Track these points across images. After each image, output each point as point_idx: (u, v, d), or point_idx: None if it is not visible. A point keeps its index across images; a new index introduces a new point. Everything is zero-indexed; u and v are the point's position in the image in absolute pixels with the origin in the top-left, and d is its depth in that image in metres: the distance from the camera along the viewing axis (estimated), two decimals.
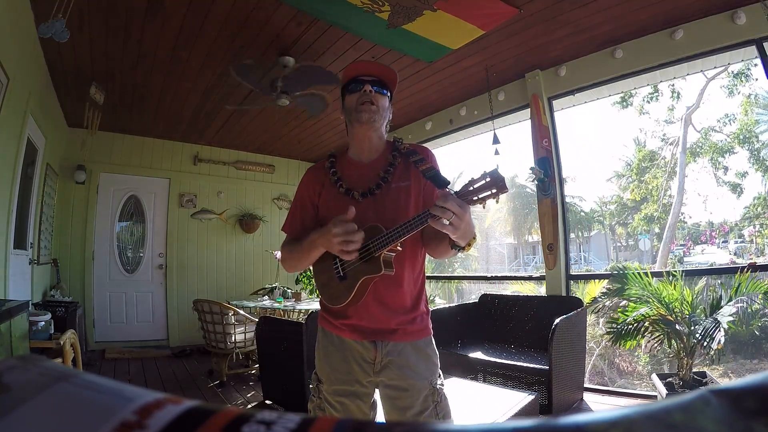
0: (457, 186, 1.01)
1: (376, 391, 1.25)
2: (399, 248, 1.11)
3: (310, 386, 1.29)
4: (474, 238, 1.05)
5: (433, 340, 1.26)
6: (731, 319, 2.29)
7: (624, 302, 2.87)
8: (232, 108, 4.03)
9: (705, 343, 2.18)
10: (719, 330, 2.18)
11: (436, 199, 0.96)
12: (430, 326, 1.26)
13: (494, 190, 0.93)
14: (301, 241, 1.21)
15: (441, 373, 1.25)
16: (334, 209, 1.19)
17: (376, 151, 1.27)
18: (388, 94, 1.26)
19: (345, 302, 1.15)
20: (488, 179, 0.93)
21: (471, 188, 0.96)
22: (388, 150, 1.27)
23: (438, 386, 1.21)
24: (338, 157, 1.32)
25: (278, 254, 4.80)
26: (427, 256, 1.29)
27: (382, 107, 1.23)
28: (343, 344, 1.21)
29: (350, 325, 1.20)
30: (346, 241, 1.06)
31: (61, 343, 2.29)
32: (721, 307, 2.40)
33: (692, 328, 2.40)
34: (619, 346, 2.67)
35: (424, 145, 1.37)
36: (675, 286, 2.60)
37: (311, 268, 1.29)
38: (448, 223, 0.95)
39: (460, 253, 1.11)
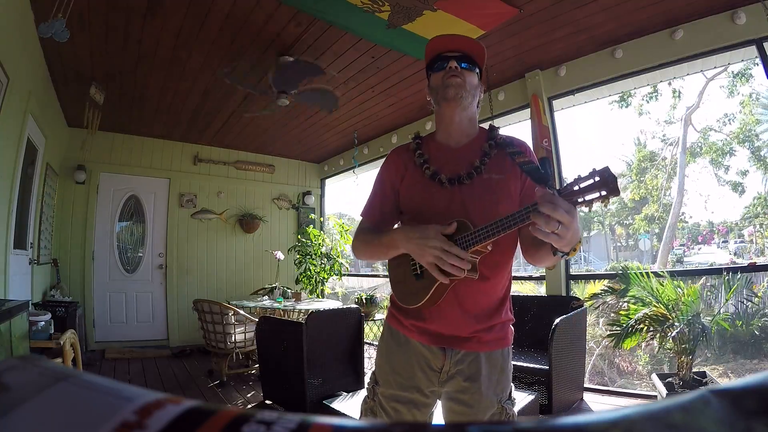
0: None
1: (438, 403, 1.14)
2: (487, 249, 0.96)
3: (366, 386, 1.19)
4: (579, 242, 0.91)
5: (511, 351, 1.13)
6: (709, 319, 2.30)
7: (624, 303, 2.87)
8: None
9: (699, 343, 2.18)
10: (710, 332, 2.19)
11: (539, 200, 0.80)
12: (511, 336, 1.13)
13: (604, 192, 0.77)
14: (380, 236, 1.08)
15: (513, 387, 1.13)
16: (418, 195, 1.09)
17: (467, 136, 1.14)
18: (477, 70, 1.12)
19: (419, 303, 1.03)
20: (597, 178, 0.78)
21: (577, 188, 0.80)
22: (482, 137, 1.13)
23: (506, 405, 1.08)
24: (425, 139, 1.19)
25: (278, 254, 4.81)
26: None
27: (471, 84, 1.09)
28: (410, 346, 1.10)
29: (420, 327, 1.08)
30: (441, 258, 0.92)
31: (61, 343, 2.29)
32: (710, 306, 2.42)
33: (689, 327, 2.40)
34: (621, 347, 2.67)
35: None
36: (674, 286, 2.61)
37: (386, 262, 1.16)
38: (550, 232, 0.81)
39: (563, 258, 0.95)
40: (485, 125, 1.20)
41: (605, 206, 0.85)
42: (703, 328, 2.26)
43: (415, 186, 1.12)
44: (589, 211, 0.84)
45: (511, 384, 1.13)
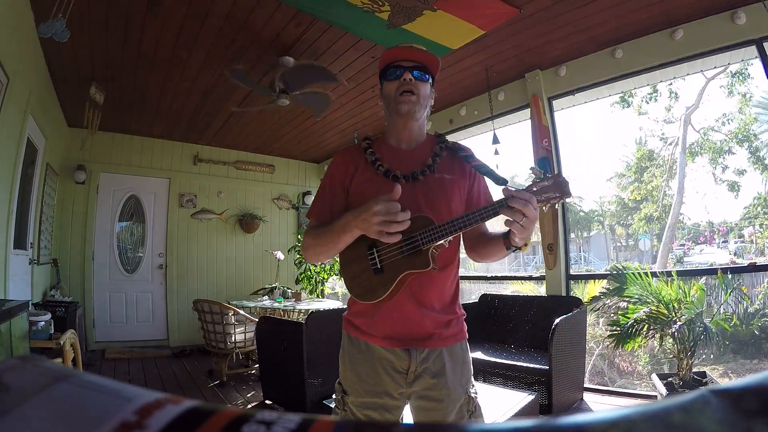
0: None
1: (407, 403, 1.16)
2: (446, 244, 1.02)
3: (334, 397, 1.18)
4: (530, 237, 0.99)
5: (468, 345, 1.17)
6: (708, 320, 2.30)
7: (624, 304, 2.87)
8: (236, 110, 4.03)
9: (698, 343, 2.18)
10: (710, 332, 2.19)
11: (513, 196, 0.91)
12: (465, 329, 1.17)
13: (558, 194, 0.90)
14: (330, 225, 1.08)
15: (473, 380, 1.17)
16: (370, 193, 1.08)
17: (416, 141, 1.19)
18: (430, 79, 1.16)
19: (380, 298, 1.03)
20: (552, 181, 0.90)
21: (534, 189, 0.92)
22: (431, 141, 1.20)
23: (473, 395, 1.13)
24: (374, 140, 1.21)
25: (279, 254, 4.82)
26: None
27: (423, 95, 1.13)
28: (372, 352, 1.10)
29: (381, 331, 1.09)
30: (389, 221, 0.94)
31: (61, 343, 2.29)
32: (710, 306, 2.42)
33: (689, 327, 2.40)
34: (621, 348, 2.67)
35: None
36: (674, 286, 2.61)
37: (338, 258, 1.15)
38: (518, 223, 0.91)
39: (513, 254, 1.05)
40: (433, 130, 1.28)
41: (556, 207, 0.97)
42: (705, 328, 2.26)
43: (368, 183, 1.13)
44: (545, 210, 0.95)
45: (473, 375, 1.18)
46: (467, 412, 1.10)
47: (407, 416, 1.21)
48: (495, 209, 0.93)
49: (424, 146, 1.19)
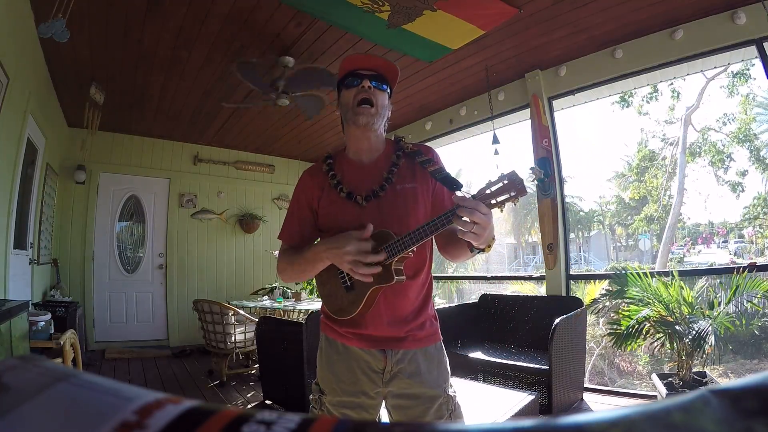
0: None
1: (383, 403, 1.18)
2: (410, 254, 1.03)
3: (311, 397, 1.20)
4: (493, 239, 0.99)
5: (443, 345, 1.20)
6: (725, 318, 2.30)
7: (624, 304, 2.86)
8: (229, 106, 4.02)
9: (699, 345, 2.18)
10: (710, 333, 2.18)
11: (456, 206, 0.90)
12: (439, 331, 1.20)
13: (513, 193, 0.88)
14: (303, 253, 1.12)
15: (452, 380, 1.20)
16: (335, 214, 1.13)
17: (377, 151, 1.19)
18: (388, 89, 1.17)
19: (353, 314, 1.08)
20: (506, 181, 0.88)
21: (488, 191, 0.90)
22: (390, 149, 1.19)
23: (451, 393, 1.15)
24: (336, 157, 1.23)
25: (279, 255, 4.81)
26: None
27: (381, 105, 1.14)
28: (349, 353, 1.13)
29: (357, 334, 1.13)
30: (359, 262, 0.99)
31: (61, 343, 2.29)
32: (713, 308, 2.41)
33: (689, 328, 2.40)
34: (622, 348, 2.67)
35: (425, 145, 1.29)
36: (674, 286, 2.61)
37: (314, 278, 1.20)
38: (470, 231, 0.91)
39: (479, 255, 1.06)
40: (391, 135, 1.24)
41: (515, 204, 0.92)
42: (706, 328, 2.26)
43: (333, 206, 1.16)
44: (501, 211, 0.93)
45: (450, 375, 1.19)
46: (447, 411, 1.12)
47: (384, 416, 1.23)
48: (447, 219, 0.94)
49: (382, 156, 1.19)
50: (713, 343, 2.15)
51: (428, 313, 1.18)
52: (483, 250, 1.01)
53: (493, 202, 0.90)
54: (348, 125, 1.17)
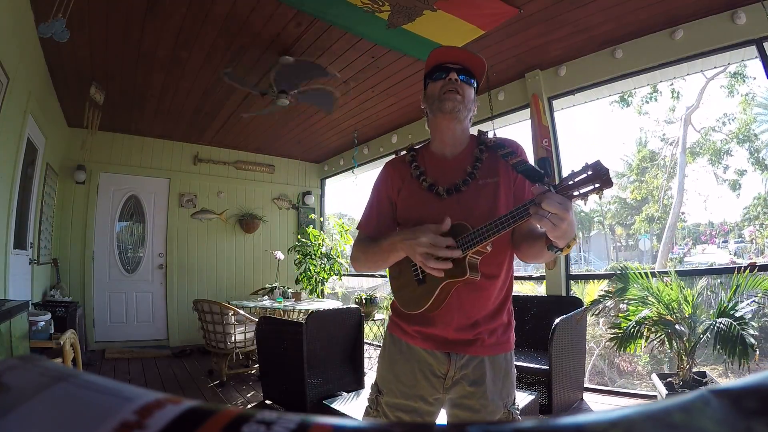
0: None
1: (443, 411, 1.14)
2: (487, 249, 0.98)
3: (368, 397, 1.17)
4: (574, 239, 0.91)
5: (513, 355, 1.14)
6: (750, 315, 2.26)
7: (624, 305, 2.86)
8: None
9: (729, 347, 2.07)
10: (747, 327, 2.12)
11: (534, 195, 0.85)
12: (513, 340, 1.14)
13: (597, 184, 0.82)
14: (378, 243, 1.09)
15: (516, 394, 1.14)
16: (415, 206, 1.11)
17: (461, 145, 1.16)
18: (475, 84, 1.15)
19: (423, 308, 1.04)
20: (590, 172, 0.82)
21: (571, 182, 0.84)
22: (473, 144, 1.16)
23: (513, 410, 1.09)
24: (419, 150, 1.21)
25: (278, 254, 4.82)
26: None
27: (468, 98, 1.11)
28: (413, 353, 1.10)
29: (423, 333, 1.09)
30: (431, 255, 0.94)
31: (61, 343, 2.29)
32: (736, 306, 2.34)
33: (693, 328, 2.40)
34: (624, 350, 2.67)
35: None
36: (675, 286, 2.60)
37: (388, 269, 1.17)
38: (546, 219, 0.85)
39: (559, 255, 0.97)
40: (474, 130, 1.22)
41: (600, 198, 0.87)
42: (707, 329, 2.25)
43: (413, 197, 1.13)
44: (585, 203, 0.88)
45: (515, 389, 1.13)
46: None
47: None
48: (524, 210, 0.88)
49: (466, 151, 1.16)
50: (754, 343, 2.06)
51: (502, 319, 1.11)
52: (562, 250, 0.93)
53: (576, 193, 0.84)
54: (434, 116, 1.14)
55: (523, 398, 2.08)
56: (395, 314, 1.17)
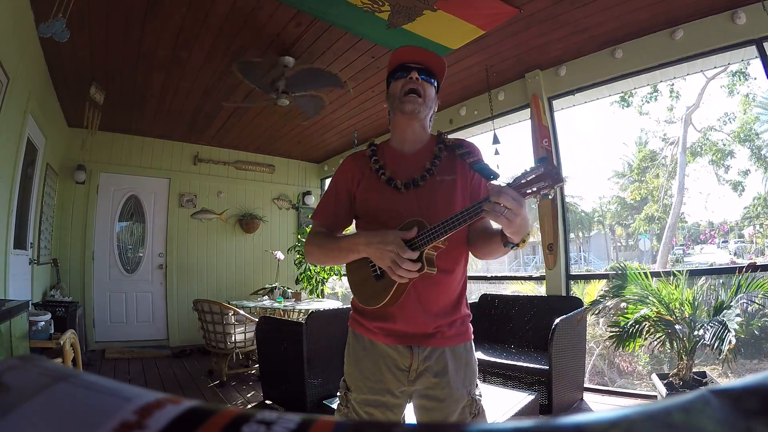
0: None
1: (408, 402, 1.17)
2: (442, 245, 1.02)
3: (338, 394, 1.20)
4: (528, 234, 0.97)
5: (473, 346, 1.18)
6: (739, 319, 2.28)
7: (624, 304, 2.86)
8: (228, 105, 4.02)
9: (715, 346, 2.14)
10: (728, 331, 2.16)
11: (488, 192, 0.89)
12: (471, 330, 1.18)
13: (548, 182, 0.87)
14: (338, 242, 1.12)
15: (478, 382, 1.18)
16: (373, 199, 1.14)
17: (420, 142, 1.20)
18: (436, 83, 1.19)
19: (381, 303, 1.06)
20: (542, 170, 0.87)
21: (523, 180, 0.89)
22: (432, 142, 1.21)
23: (476, 396, 1.13)
24: (380, 145, 1.25)
25: (279, 254, 4.81)
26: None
27: (428, 97, 1.16)
28: (376, 349, 1.12)
29: (384, 328, 1.11)
30: (397, 263, 0.97)
31: (61, 343, 2.29)
32: (729, 307, 2.38)
33: (693, 328, 2.40)
34: (622, 349, 2.67)
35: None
36: (675, 286, 2.60)
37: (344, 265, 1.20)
38: (501, 215, 0.89)
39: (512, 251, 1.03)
40: (435, 129, 1.26)
41: (551, 196, 0.91)
42: (723, 327, 2.24)
43: (372, 190, 1.16)
44: (538, 201, 0.92)
45: (477, 377, 1.17)
46: (470, 414, 1.10)
47: (409, 415, 1.22)
48: (479, 207, 0.92)
49: (425, 148, 1.20)
50: (733, 341, 2.10)
51: (461, 312, 1.15)
52: (517, 245, 0.98)
53: (529, 191, 0.89)
54: (395, 114, 1.19)
55: (523, 398, 2.08)
56: (355, 312, 1.20)
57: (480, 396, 1.15)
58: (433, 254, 1.03)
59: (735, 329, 2.17)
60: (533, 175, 0.88)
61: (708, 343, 2.23)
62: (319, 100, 3.48)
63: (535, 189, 0.88)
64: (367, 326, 1.14)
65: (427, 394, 1.10)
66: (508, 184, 0.90)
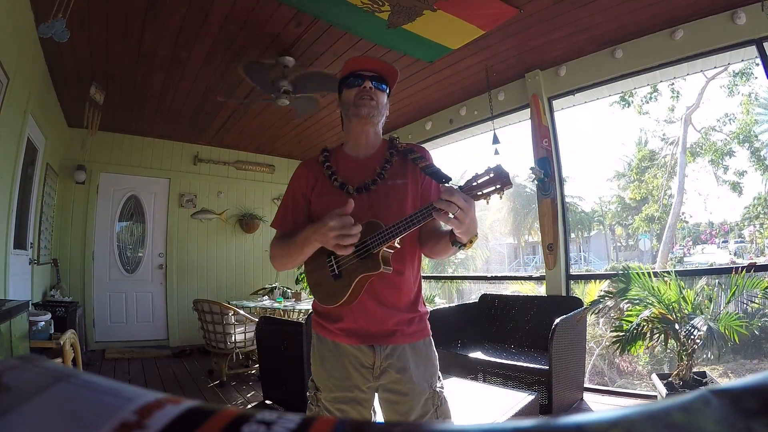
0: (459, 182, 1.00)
1: (376, 396, 1.21)
2: (397, 245, 1.08)
3: (308, 393, 1.24)
4: (476, 236, 1.03)
5: (432, 341, 1.23)
6: (728, 317, 2.30)
7: (624, 305, 2.86)
8: (224, 101, 4.01)
9: (689, 341, 2.18)
10: (703, 324, 2.20)
11: (441, 194, 0.95)
12: (429, 327, 1.23)
13: (498, 185, 0.93)
14: (293, 237, 1.16)
15: (440, 375, 1.22)
16: (328, 204, 1.16)
17: (373, 147, 1.25)
18: (387, 90, 1.24)
19: (340, 302, 1.11)
20: (492, 174, 0.93)
21: (475, 183, 0.95)
22: (384, 147, 1.25)
23: (438, 389, 1.18)
24: (333, 151, 1.28)
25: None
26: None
27: (381, 103, 1.21)
28: (340, 350, 1.17)
29: (346, 329, 1.15)
30: (343, 235, 1.01)
31: (61, 343, 2.28)
32: (701, 310, 2.43)
33: (690, 325, 2.40)
34: (627, 352, 2.67)
35: (423, 145, 1.34)
36: (675, 286, 2.60)
37: (303, 267, 1.24)
38: (452, 216, 0.94)
39: (460, 252, 1.09)
40: (389, 135, 1.31)
41: (500, 198, 0.98)
42: (709, 328, 2.26)
43: (325, 195, 1.21)
44: (488, 202, 0.98)
45: (439, 371, 1.22)
46: (433, 406, 1.15)
47: (378, 408, 1.26)
48: (431, 208, 0.97)
49: (378, 153, 1.24)
50: (704, 334, 2.15)
51: (418, 310, 1.20)
52: (465, 246, 1.04)
53: (479, 193, 0.95)
54: (348, 120, 1.23)
55: (523, 398, 2.08)
56: (317, 315, 1.24)
57: (442, 388, 1.19)
58: (390, 253, 1.09)
59: (711, 327, 2.20)
60: (484, 178, 0.94)
61: (685, 339, 2.27)
62: (313, 100, 3.49)
63: (485, 191, 0.94)
64: (330, 329, 1.19)
65: (392, 389, 1.15)
66: (460, 187, 0.96)
